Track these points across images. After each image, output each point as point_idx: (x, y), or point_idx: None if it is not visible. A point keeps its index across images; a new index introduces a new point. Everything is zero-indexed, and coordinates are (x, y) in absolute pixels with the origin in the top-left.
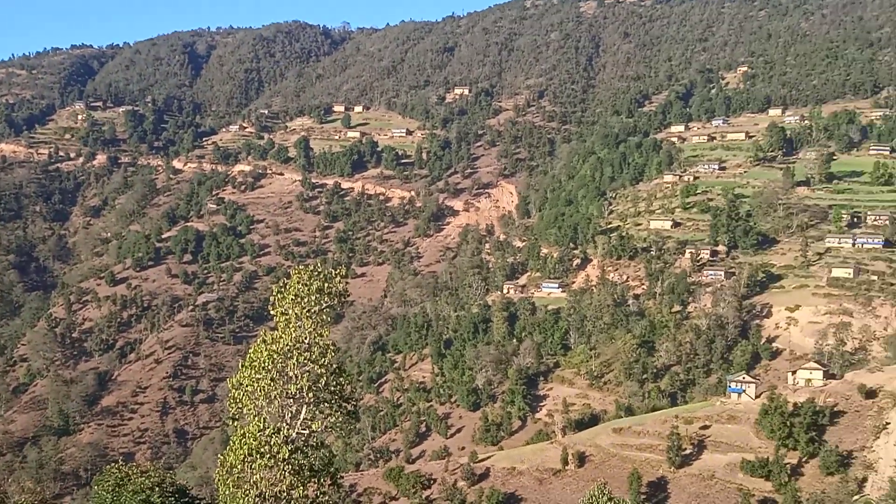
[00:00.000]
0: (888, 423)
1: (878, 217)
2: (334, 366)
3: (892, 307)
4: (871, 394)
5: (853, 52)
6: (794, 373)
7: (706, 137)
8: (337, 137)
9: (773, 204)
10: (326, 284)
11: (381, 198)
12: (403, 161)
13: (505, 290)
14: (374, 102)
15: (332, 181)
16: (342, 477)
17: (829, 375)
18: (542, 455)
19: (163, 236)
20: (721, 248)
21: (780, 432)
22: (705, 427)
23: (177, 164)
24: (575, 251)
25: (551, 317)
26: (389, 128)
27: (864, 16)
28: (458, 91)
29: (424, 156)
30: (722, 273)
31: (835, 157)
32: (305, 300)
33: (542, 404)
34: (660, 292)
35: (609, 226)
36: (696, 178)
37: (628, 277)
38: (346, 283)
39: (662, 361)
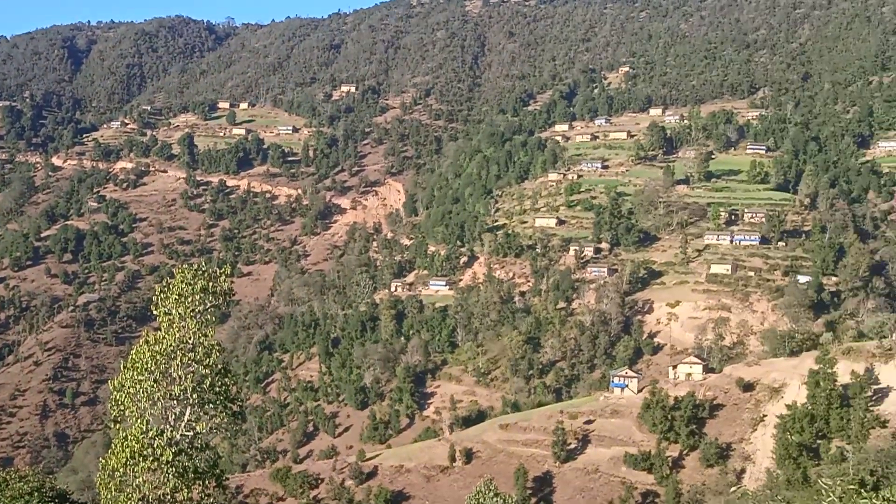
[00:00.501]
0: (765, 416)
1: (754, 214)
2: (219, 366)
3: (769, 302)
4: (748, 387)
5: (730, 54)
6: (674, 367)
7: (589, 136)
8: (222, 134)
9: (654, 202)
10: (211, 283)
11: (268, 196)
12: (290, 159)
13: (393, 289)
14: (260, 99)
15: (218, 179)
16: (228, 479)
17: (708, 369)
18: (429, 452)
19: (42, 235)
20: (604, 245)
21: (661, 426)
22: (589, 422)
23: (56, 160)
24: (462, 249)
25: (439, 314)
26: (275, 125)
27: (740, 18)
28: (344, 88)
29: (311, 153)
30: (605, 270)
31: (713, 156)
32: (189, 300)
33: (429, 402)
34: (545, 289)
35: (495, 224)
36: (579, 176)
37: (514, 275)
38: (232, 282)
39: (548, 357)
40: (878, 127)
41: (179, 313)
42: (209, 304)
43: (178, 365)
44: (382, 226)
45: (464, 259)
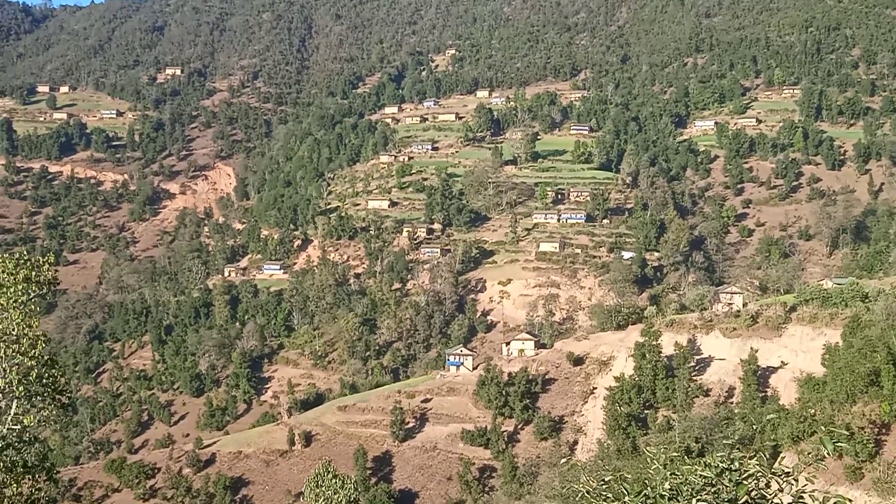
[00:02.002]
0: (595, 388)
1: (579, 193)
2: (46, 357)
3: (595, 278)
4: (578, 361)
5: (552, 37)
6: (507, 344)
7: (419, 118)
8: (42, 119)
9: (484, 182)
10: (34, 273)
11: (93, 182)
12: (115, 143)
13: (226, 274)
14: (81, 83)
15: (39, 165)
16: (59, 472)
17: (540, 345)
18: (268, 437)
19: None
20: (437, 226)
21: (496, 402)
22: (427, 400)
23: None
24: (295, 232)
25: (274, 299)
26: (98, 109)
27: (561, 2)
28: (169, 71)
29: (137, 138)
30: (438, 251)
31: (539, 137)
32: (12, 290)
33: (267, 386)
34: (380, 271)
35: (328, 206)
36: (410, 158)
37: (349, 257)
38: (56, 270)
39: (384, 338)
40: (694, 107)
41: (1, 304)
42: (33, 295)
43: (2, 357)
44: (213, 210)
45: (297, 242)
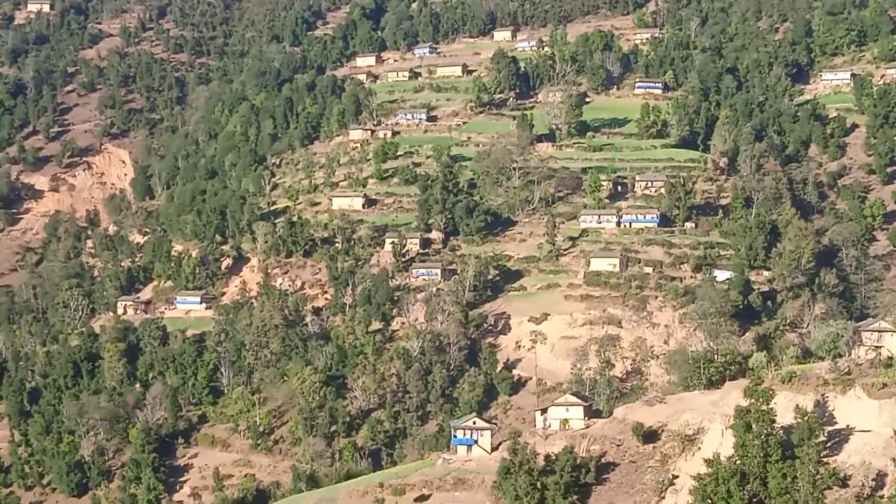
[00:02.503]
0: (676, 477)
1: (649, 184)
2: None
3: (675, 311)
4: (650, 436)
5: None
6: (544, 411)
7: (408, 74)
8: None
9: (506, 169)
10: None
11: None
12: None
13: (120, 310)
14: None
15: None
16: None
17: (592, 412)
18: None
19: None
20: (435, 234)
21: (528, 499)
22: (423, 498)
23: None
24: (224, 247)
25: (192, 347)
26: None
27: None
28: (33, 7)
29: None
30: (438, 271)
31: (588, 99)
32: None
33: (183, 480)
34: (351, 303)
35: (273, 207)
36: (395, 133)
37: (304, 283)
38: None
39: (359, 405)
40: (820, 52)
41: None
42: None
43: None
44: (100, 215)
45: (227, 262)
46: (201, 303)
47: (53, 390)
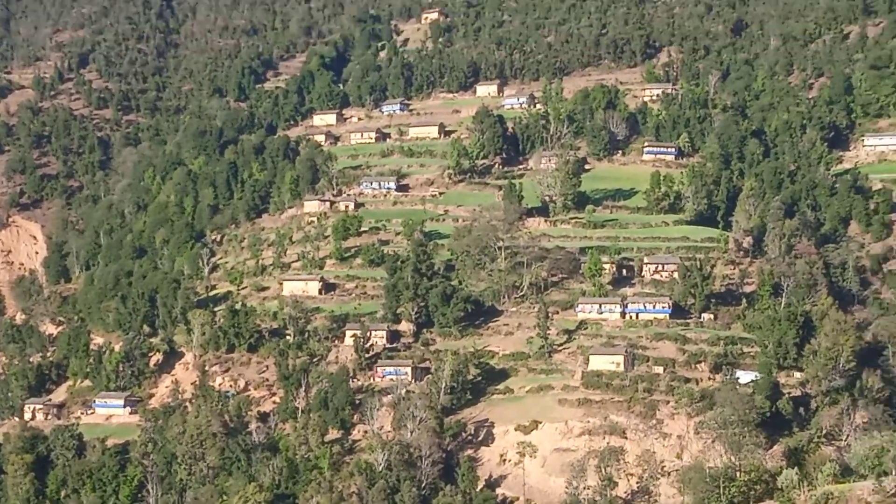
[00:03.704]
0: None
1: (660, 267)
2: None
3: (689, 419)
4: None
5: None
6: None
7: (374, 135)
8: None
9: (490, 249)
10: None
11: None
12: None
13: (28, 415)
14: None
15: None
16: None
17: None
18: None
19: None
20: (405, 326)
21: None
22: None
23: None
24: (153, 340)
25: (113, 460)
26: None
27: None
28: None
29: None
30: (408, 370)
31: (588, 167)
32: None
33: None
34: (304, 408)
35: (213, 293)
36: (359, 205)
37: (248, 383)
38: None
39: None
40: (862, 113)
41: None
42: None
43: None
44: (6, 301)
45: (157, 358)
46: (125, 406)
47: None
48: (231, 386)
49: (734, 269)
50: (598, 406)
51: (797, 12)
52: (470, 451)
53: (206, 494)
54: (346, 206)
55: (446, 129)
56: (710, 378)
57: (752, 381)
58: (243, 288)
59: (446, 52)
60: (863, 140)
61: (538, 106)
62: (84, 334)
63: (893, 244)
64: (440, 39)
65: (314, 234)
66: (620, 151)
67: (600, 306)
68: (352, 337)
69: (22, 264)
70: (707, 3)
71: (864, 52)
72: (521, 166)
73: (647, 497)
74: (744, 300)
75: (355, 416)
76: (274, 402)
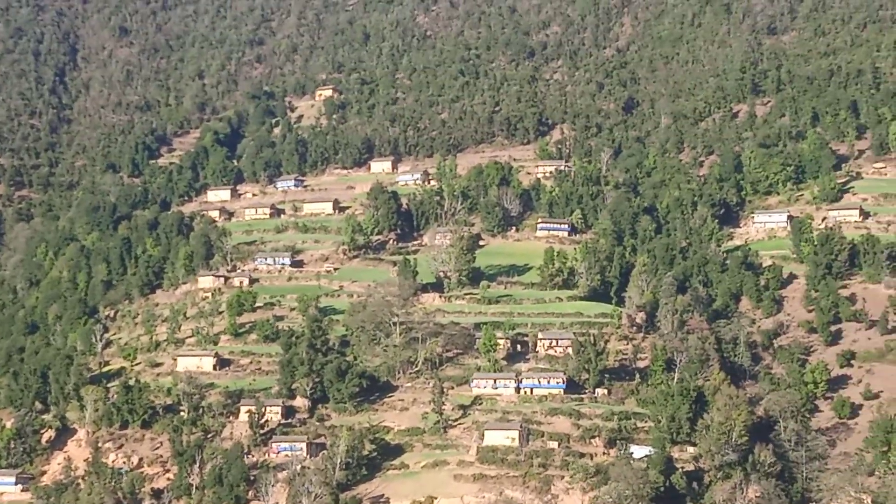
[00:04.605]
0: None
1: (554, 342)
2: None
3: (584, 494)
4: None
5: (504, 66)
6: None
7: (269, 211)
8: None
9: (385, 324)
10: None
11: None
12: None
13: None
14: None
15: None
16: None
17: None
18: None
19: None
20: (300, 401)
21: None
22: None
23: None
24: (45, 416)
25: None
26: None
27: (517, 6)
28: None
29: None
30: (303, 446)
31: (482, 243)
32: None
33: None
34: (198, 484)
35: (106, 369)
36: (254, 280)
37: (142, 459)
38: None
39: None
40: (752, 190)
41: None
42: None
43: None
44: None
45: (49, 434)
46: (16, 484)
47: None
48: (124, 462)
49: (627, 344)
50: (493, 481)
51: (687, 91)
52: None
53: None
54: (241, 282)
55: (340, 205)
56: (604, 453)
57: (646, 455)
58: (137, 364)
59: (340, 129)
60: (752, 217)
61: (432, 182)
62: None
63: (784, 320)
64: (334, 116)
65: (208, 310)
66: (514, 227)
67: (495, 382)
68: (246, 413)
69: None
70: (598, 81)
71: (753, 131)
72: (415, 242)
73: None
74: (637, 375)
75: (250, 493)
76: (168, 479)
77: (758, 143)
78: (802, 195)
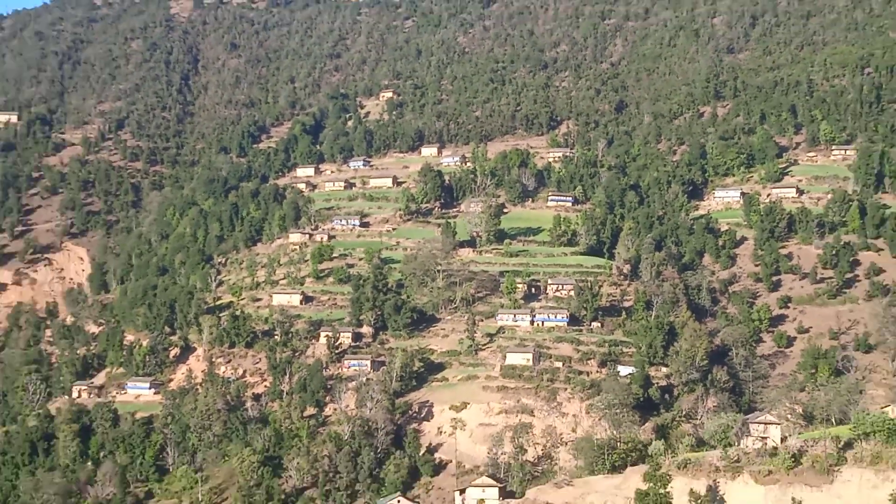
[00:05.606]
0: None
1: (560, 287)
2: None
3: (582, 402)
4: None
5: (524, 76)
6: (462, 492)
7: (343, 184)
8: None
9: (431, 271)
10: None
11: None
12: None
13: (75, 394)
14: None
15: None
16: None
17: (506, 493)
18: None
19: None
20: (366, 329)
21: None
22: None
23: None
24: (172, 338)
25: (141, 429)
26: None
27: (535, 30)
28: (2, 118)
29: None
30: (368, 363)
31: (505, 210)
32: None
33: None
34: (288, 390)
35: (218, 302)
36: (331, 237)
37: (245, 371)
38: None
39: (293, 483)
40: (713, 172)
41: None
42: None
43: None
44: (59, 307)
45: (175, 352)
46: (150, 388)
47: (11, 467)
48: (232, 373)
49: (616, 289)
50: (512, 392)
51: (664, 96)
52: (414, 425)
53: (212, 456)
54: (321, 238)
55: (398, 180)
56: (597, 371)
57: (630, 374)
58: (242, 299)
59: (398, 122)
60: (713, 193)
61: (468, 164)
62: (119, 333)
63: (736, 272)
64: (393, 112)
65: (296, 259)
66: (530, 199)
67: (514, 316)
68: (325, 337)
69: (72, 279)
70: (596, 88)
71: (715, 127)
72: (454, 209)
73: (549, 461)
74: (623, 312)
75: (327, 398)
76: (265, 386)
77: (718, 136)
78: (752, 177)
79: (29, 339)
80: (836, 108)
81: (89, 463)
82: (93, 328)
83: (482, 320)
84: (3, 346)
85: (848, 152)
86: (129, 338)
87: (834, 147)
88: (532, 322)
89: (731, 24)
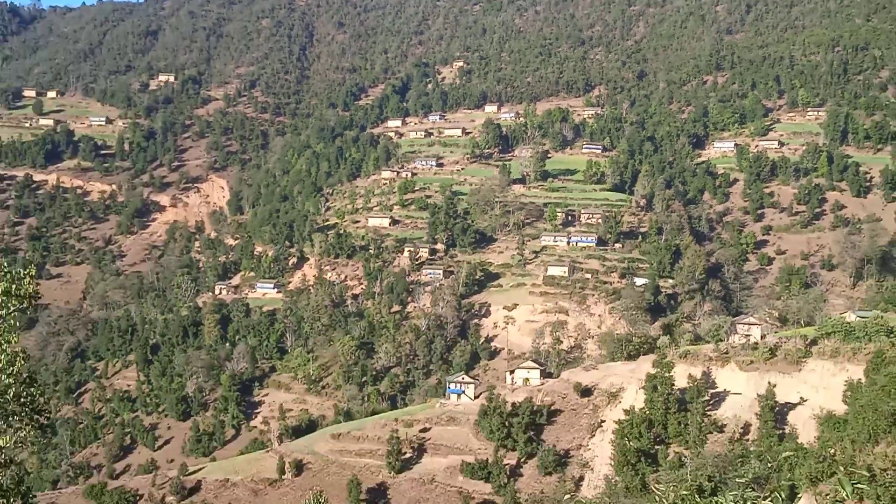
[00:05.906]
0: (603, 421)
1: (591, 215)
2: (25, 375)
3: (606, 305)
4: (586, 392)
5: (566, 51)
6: (512, 372)
7: (423, 133)
8: (28, 125)
9: (491, 202)
10: (14, 286)
11: (79, 192)
12: (103, 152)
13: (217, 291)
14: (70, 88)
15: (23, 173)
16: (36, 496)
17: (546, 374)
18: (257, 465)
19: None
20: (440, 246)
21: (498, 433)
22: (425, 430)
23: None
24: (291, 250)
25: (266, 319)
26: (87, 115)
27: (575, 14)
28: (163, 78)
29: (127, 147)
30: (441, 272)
31: (549, 156)
32: None
33: (257, 411)
34: (379, 292)
35: (326, 223)
36: (413, 174)
37: (346, 277)
38: (38, 284)
39: (382, 363)
40: (713, 127)
41: None
42: (13, 309)
43: None
44: (205, 225)
45: (293, 260)
46: (274, 288)
47: (168, 346)
48: (336, 278)
49: (635, 218)
50: (552, 296)
51: (676, 67)
52: (476, 321)
53: (320, 341)
54: (406, 175)
55: (466, 131)
56: (618, 281)
57: (644, 284)
58: (344, 221)
59: (467, 86)
60: (713, 144)
61: (521, 119)
62: (251, 245)
63: (729, 206)
64: (463, 77)
65: (387, 191)
66: (569, 147)
67: (555, 238)
68: (408, 251)
69: (215, 203)
70: (623, 60)
71: (715, 92)
72: (510, 154)
73: (579, 350)
74: (640, 237)
75: (409, 298)
76: (361, 288)
77: (718, 100)
78: (744, 131)
79: (182, 248)
80: (812, 79)
81: (227, 344)
82: (230, 241)
83: (529, 240)
84: (162, 253)
85: (820, 113)
86: (258, 249)
87: (809, 109)
88: (568, 242)
89: (731, 11)
